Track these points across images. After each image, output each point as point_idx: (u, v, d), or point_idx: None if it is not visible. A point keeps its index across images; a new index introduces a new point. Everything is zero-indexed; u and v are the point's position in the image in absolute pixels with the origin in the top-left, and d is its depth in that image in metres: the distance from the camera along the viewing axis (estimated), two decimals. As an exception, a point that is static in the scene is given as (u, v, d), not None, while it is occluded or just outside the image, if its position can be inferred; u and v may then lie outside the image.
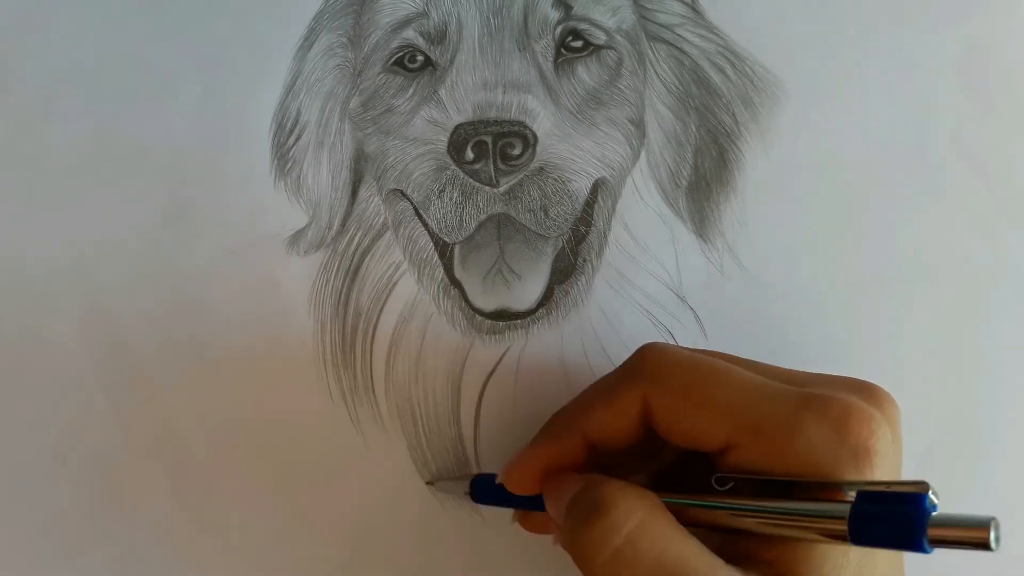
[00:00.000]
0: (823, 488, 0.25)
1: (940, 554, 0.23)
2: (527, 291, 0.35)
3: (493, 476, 0.32)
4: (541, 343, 0.35)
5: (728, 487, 0.26)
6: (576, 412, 0.30)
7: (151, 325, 0.36)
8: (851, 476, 0.24)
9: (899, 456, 0.26)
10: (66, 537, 0.35)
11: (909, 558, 0.26)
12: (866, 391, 0.26)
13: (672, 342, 0.35)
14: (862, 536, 0.23)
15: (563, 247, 0.36)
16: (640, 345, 0.29)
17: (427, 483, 0.35)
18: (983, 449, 0.35)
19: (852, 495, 0.24)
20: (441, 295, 0.36)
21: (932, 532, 0.22)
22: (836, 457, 0.24)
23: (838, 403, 0.25)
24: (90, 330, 0.36)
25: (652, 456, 0.30)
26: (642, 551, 0.24)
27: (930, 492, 0.23)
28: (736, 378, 0.27)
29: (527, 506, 0.31)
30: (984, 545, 0.22)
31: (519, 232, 0.35)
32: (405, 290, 0.36)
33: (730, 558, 0.25)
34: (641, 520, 0.24)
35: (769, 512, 0.25)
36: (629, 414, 0.28)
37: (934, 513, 0.22)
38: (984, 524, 0.22)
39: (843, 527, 0.23)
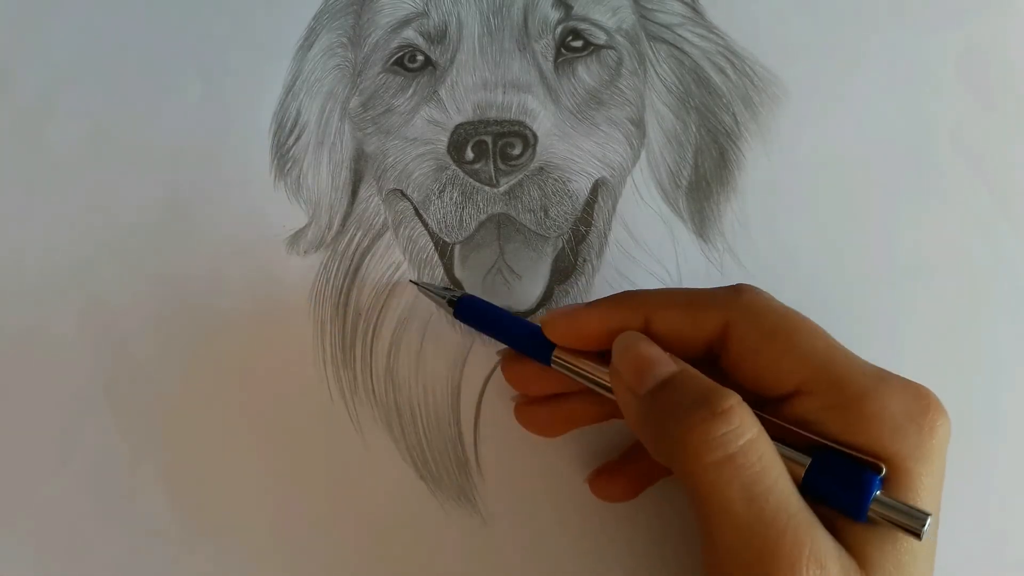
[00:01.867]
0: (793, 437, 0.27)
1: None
2: (527, 291, 0.35)
3: (478, 300, 0.33)
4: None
5: None
6: (650, 299, 0.30)
7: (151, 325, 0.36)
8: (915, 450, 0.26)
9: (943, 461, 0.27)
10: (66, 537, 0.35)
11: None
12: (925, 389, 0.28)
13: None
14: (814, 487, 0.26)
15: (563, 247, 0.36)
16: None
17: (411, 281, 0.35)
18: (983, 449, 0.35)
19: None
20: (441, 295, 0.36)
21: (875, 507, 0.25)
22: (904, 429, 0.26)
23: (915, 387, 0.27)
24: (90, 330, 0.36)
25: None
26: (751, 463, 0.25)
27: (883, 473, 0.25)
28: (825, 337, 0.28)
29: (522, 348, 0.32)
30: (915, 534, 0.25)
31: (519, 232, 0.35)
32: (405, 290, 0.36)
33: None
34: (756, 436, 0.25)
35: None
36: (704, 329, 0.29)
37: (878, 492, 0.25)
38: (922, 517, 0.25)
39: (799, 471, 0.26)
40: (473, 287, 0.35)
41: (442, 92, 0.36)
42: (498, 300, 0.35)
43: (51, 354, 0.36)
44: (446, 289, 0.34)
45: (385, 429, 0.35)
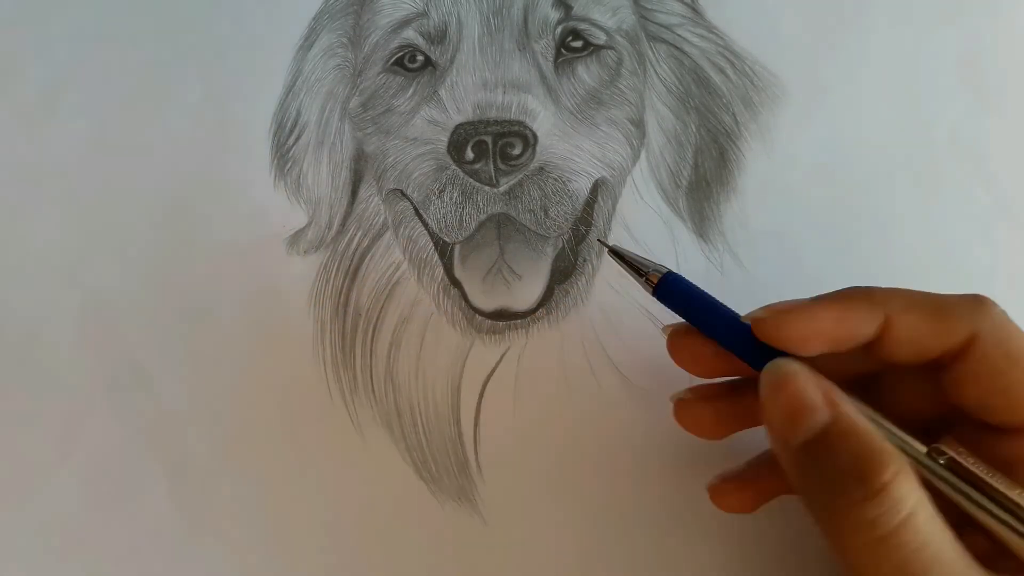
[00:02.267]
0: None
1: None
2: (527, 291, 0.35)
3: (681, 281, 0.29)
4: (541, 343, 0.35)
5: (942, 461, 0.25)
6: (891, 299, 0.26)
7: (151, 325, 0.36)
8: None
9: None
10: (66, 537, 0.35)
11: None
12: None
13: (672, 342, 0.35)
14: None
15: (563, 247, 0.36)
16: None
17: (607, 245, 0.31)
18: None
19: None
20: (441, 295, 0.36)
21: None
22: None
23: None
24: (90, 330, 0.36)
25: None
26: (906, 541, 0.22)
27: None
28: None
29: (728, 345, 0.28)
30: None
31: (519, 232, 0.35)
32: (405, 290, 0.36)
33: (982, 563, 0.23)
34: (914, 507, 0.23)
35: (980, 506, 0.24)
36: (948, 340, 0.26)
37: None
38: None
39: None
40: (473, 287, 0.35)
41: (442, 92, 0.36)
42: (498, 300, 0.35)
43: (51, 354, 0.36)
44: (645, 261, 0.30)
45: (385, 429, 0.35)
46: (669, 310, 0.30)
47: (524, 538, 0.34)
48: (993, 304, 0.26)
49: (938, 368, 0.27)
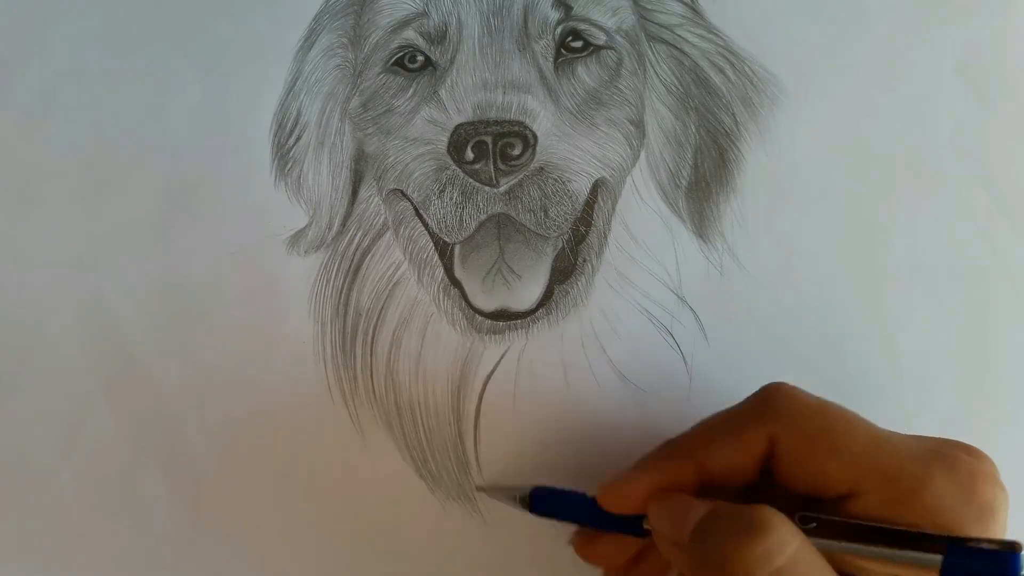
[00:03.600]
0: (912, 537, 0.26)
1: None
2: (527, 291, 0.35)
3: (552, 489, 0.32)
4: (541, 343, 0.35)
5: (811, 526, 0.27)
6: (694, 442, 0.30)
7: (151, 325, 0.36)
8: (975, 532, 0.26)
9: (1005, 529, 0.27)
10: (67, 537, 0.35)
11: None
12: (975, 454, 0.28)
13: (672, 342, 0.35)
14: None
15: (563, 247, 0.36)
16: (755, 385, 0.30)
17: (478, 488, 0.35)
18: (983, 449, 0.35)
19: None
20: (441, 295, 0.36)
21: None
22: (962, 513, 0.26)
23: (965, 463, 0.27)
24: (90, 330, 0.36)
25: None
26: (802, 570, 0.24)
27: (1023, 552, 0.24)
28: (865, 427, 0.27)
29: (604, 526, 0.31)
30: None
31: (519, 232, 0.35)
32: (405, 290, 0.36)
33: None
34: (799, 546, 0.24)
35: (872, 555, 0.26)
36: (753, 452, 0.28)
37: None
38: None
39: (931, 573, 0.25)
40: (473, 287, 0.35)
41: (442, 92, 0.36)
42: (498, 300, 0.35)
43: (51, 354, 0.36)
44: (512, 488, 0.33)
45: (385, 429, 0.35)
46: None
47: (524, 538, 0.34)
48: (779, 392, 0.29)
49: (770, 471, 0.29)
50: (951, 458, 0.27)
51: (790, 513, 0.26)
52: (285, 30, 0.38)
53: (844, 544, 0.26)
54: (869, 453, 0.27)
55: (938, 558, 0.25)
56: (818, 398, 0.29)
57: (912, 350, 0.35)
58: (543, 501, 0.32)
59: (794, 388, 0.29)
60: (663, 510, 0.28)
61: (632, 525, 0.30)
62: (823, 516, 0.27)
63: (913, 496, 0.26)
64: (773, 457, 0.28)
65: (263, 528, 0.34)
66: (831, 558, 0.26)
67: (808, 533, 0.26)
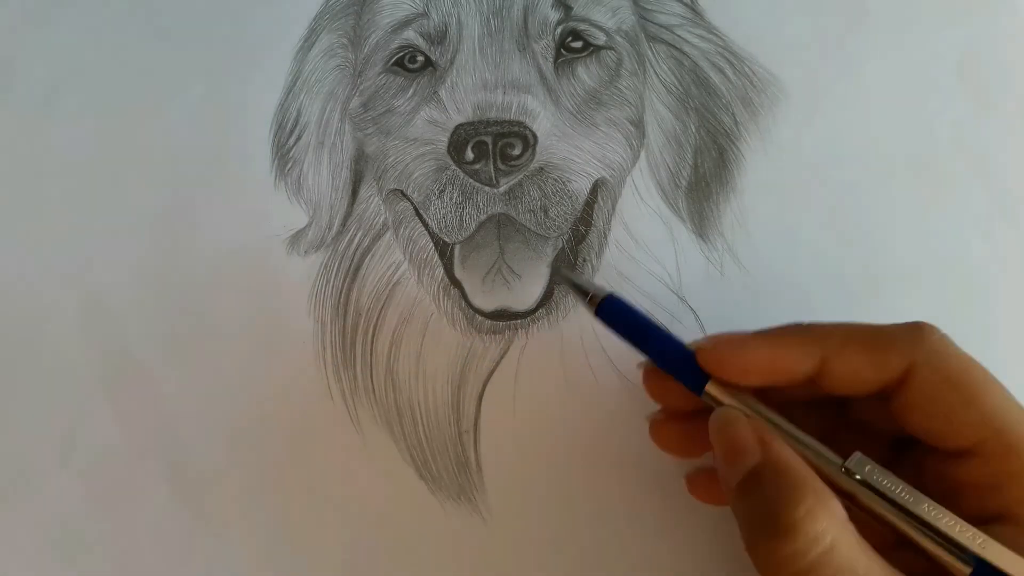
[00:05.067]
0: (948, 537, 0.25)
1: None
2: (527, 291, 0.35)
3: (628, 305, 0.30)
4: (541, 343, 0.35)
5: (858, 478, 0.26)
6: (829, 335, 0.28)
7: (151, 325, 0.36)
8: None
9: None
10: (66, 537, 0.35)
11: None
12: None
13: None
14: None
15: (563, 247, 0.36)
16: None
17: (562, 275, 0.33)
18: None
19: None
20: (441, 295, 0.36)
21: None
22: None
23: None
24: (90, 330, 0.36)
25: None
26: (832, 570, 0.24)
27: None
28: (1004, 393, 0.26)
29: (662, 363, 0.29)
30: None
31: (519, 232, 0.35)
32: (405, 290, 0.36)
33: None
34: (833, 540, 0.24)
35: (916, 520, 0.25)
36: (886, 373, 0.27)
37: None
38: None
39: (965, 568, 0.24)
40: (473, 287, 0.35)
41: (442, 92, 0.36)
42: (498, 300, 0.35)
43: (51, 354, 0.36)
44: (590, 286, 0.31)
45: (385, 429, 0.35)
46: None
47: (524, 537, 0.34)
48: (932, 331, 0.27)
49: (887, 396, 0.28)
50: None
51: (862, 444, 0.25)
52: (285, 30, 0.38)
53: (883, 503, 0.26)
54: (1003, 418, 0.26)
55: (967, 568, 0.24)
56: (970, 356, 0.27)
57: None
58: (613, 311, 0.30)
59: (944, 333, 0.27)
60: (720, 436, 0.27)
61: (694, 382, 0.28)
62: (877, 467, 0.26)
63: None
64: (902, 388, 0.27)
65: (263, 528, 0.34)
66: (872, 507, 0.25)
67: (857, 481, 0.25)
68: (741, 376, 0.28)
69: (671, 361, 0.29)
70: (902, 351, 0.27)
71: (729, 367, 0.28)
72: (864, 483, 0.26)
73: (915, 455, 0.27)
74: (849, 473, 0.26)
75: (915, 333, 0.27)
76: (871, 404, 0.28)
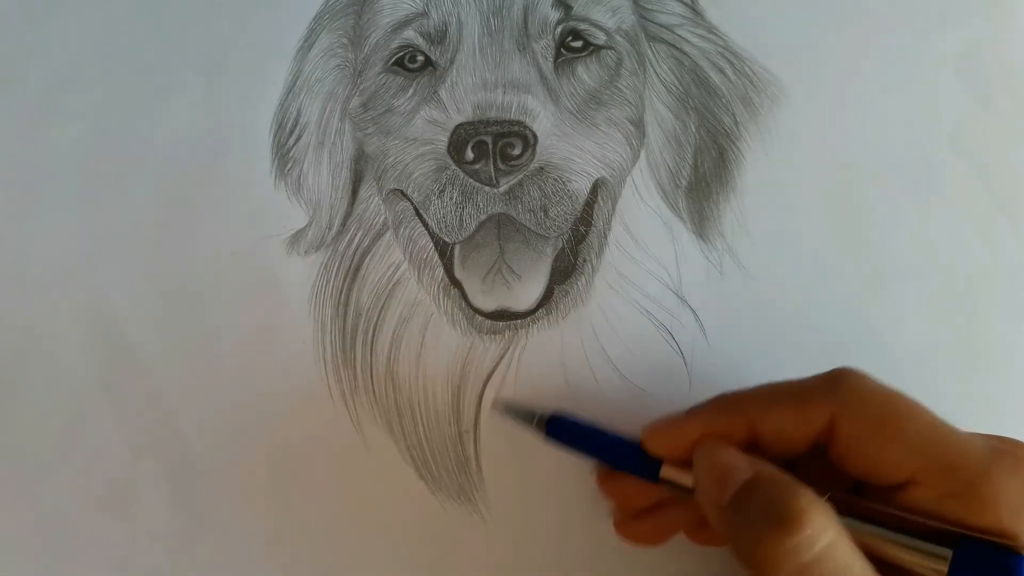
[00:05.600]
0: (925, 530, 0.26)
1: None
2: (527, 291, 0.35)
3: (571, 418, 0.32)
4: (541, 343, 0.35)
5: (825, 496, 0.26)
6: (752, 401, 0.29)
7: (151, 325, 0.36)
8: None
9: None
10: (66, 537, 0.35)
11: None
12: None
13: (672, 342, 0.35)
14: None
15: (563, 247, 0.36)
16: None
17: (493, 407, 0.34)
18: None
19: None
20: (441, 295, 0.36)
21: None
22: (1020, 511, 0.26)
23: None
24: (90, 330, 0.36)
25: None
26: (830, 568, 0.24)
27: None
28: (930, 418, 0.27)
29: (618, 465, 0.31)
30: None
31: (519, 232, 0.35)
32: (405, 290, 0.36)
33: None
34: (832, 539, 0.24)
35: (890, 539, 0.26)
36: (812, 427, 0.28)
37: None
38: None
39: (943, 568, 0.25)
40: (473, 287, 0.35)
41: (442, 92, 0.36)
42: (498, 300, 0.35)
43: (51, 354, 0.36)
44: (530, 411, 0.33)
45: (385, 429, 0.35)
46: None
47: (524, 537, 0.34)
48: (849, 375, 0.28)
49: (823, 448, 0.29)
50: (1013, 455, 0.26)
51: (822, 492, 0.26)
52: (285, 30, 0.38)
53: (864, 525, 0.26)
54: (932, 443, 0.27)
55: (948, 552, 0.25)
56: (886, 386, 0.28)
57: (912, 350, 0.35)
58: (560, 428, 0.32)
59: (864, 374, 0.28)
60: (707, 464, 0.28)
61: (650, 471, 0.29)
62: (845, 495, 0.27)
63: (972, 490, 0.26)
64: (833, 437, 0.28)
65: (263, 528, 0.34)
66: (859, 540, 0.25)
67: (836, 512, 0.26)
68: (682, 454, 0.29)
69: (625, 459, 0.31)
70: (822, 402, 0.28)
71: (669, 447, 0.30)
72: (849, 508, 0.27)
73: (871, 494, 0.28)
74: (834, 500, 0.26)
75: (832, 383, 0.28)
76: (813, 462, 0.29)
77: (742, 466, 0.27)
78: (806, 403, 0.28)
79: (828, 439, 0.28)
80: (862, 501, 0.27)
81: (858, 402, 0.28)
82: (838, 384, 0.28)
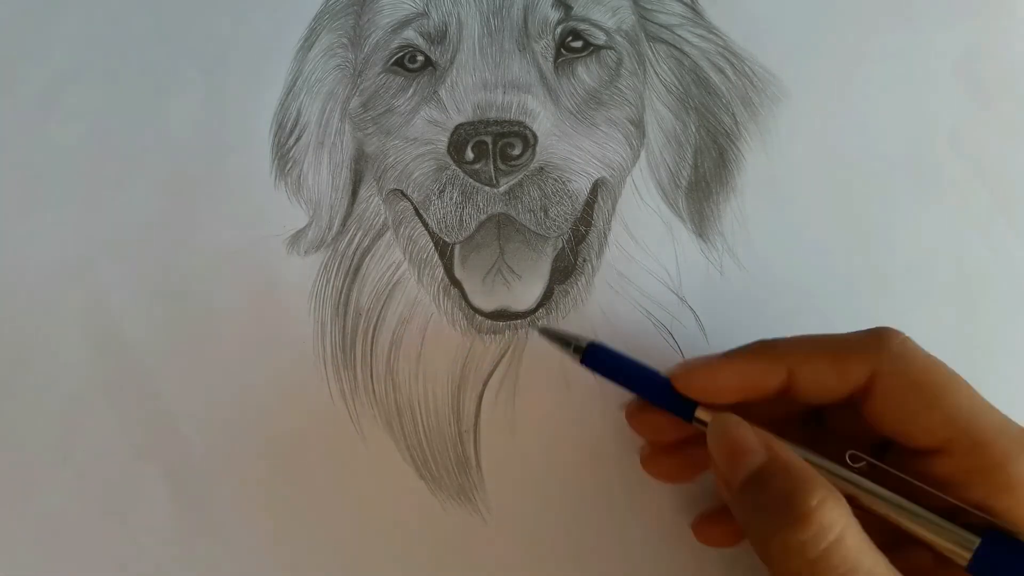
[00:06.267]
0: (953, 511, 0.26)
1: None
2: (527, 291, 0.35)
3: (610, 349, 0.31)
4: (541, 343, 0.35)
5: (860, 465, 0.27)
6: (792, 349, 0.29)
7: (151, 325, 0.36)
8: None
9: None
10: (66, 537, 0.35)
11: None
12: None
13: (672, 342, 0.35)
14: (986, 567, 0.25)
15: (563, 247, 0.36)
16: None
17: (539, 329, 0.34)
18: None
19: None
20: (441, 295, 0.36)
21: None
22: None
23: None
24: (90, 330, 0.36)
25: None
26: (834, 565, 0.24)
27: None
28: (969, 392, 0.27)
29: (654, 400, 0.30)
30: None
31: (519, 232, 0.35)
32: (405, 290, 0.36)
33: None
34: (841, 532, 0.24)
35: (915, 513, 0.26)
36: (851, 380, 0.28)
37: None
38: None
39: (965, 553, 0.25)
40: (473, 287, 0.35)
41: (442, 92, 0.36)
42: (498, 300, 0.35)
43: (51, 354, 0.36)
44: (572, 336, 0.32)
45: (385, 429, 0.35)
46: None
47: (524, 537, 0.34)
48: (894, 335, 0.28)
49: (856, 403, 0.28)
50: None
51: (845, 449, 0.26)
52: (285, 30, 0.38)
53: (887, 493, 0.26)
54: (968, 416, 0.26)
55: (975, 540, 0.25)
56: (928, 352, 0.28)
57: (912, 350, 0.35)
58: (598, 356, 0.31)
59: (906, 336, 0.28)
60: (722, 440, 0.28)
61: (684, 410, 0.29)
62: (871, 459, 0.27)
63: (998, 469, 0.26)
64: (869, 393, 0.28)
65: (263, 528, 0.34)
66: (873, 506, 0.26)
67: (854, 471, 0.26)
68: (715, 396, 0.29)
69: (659, 394, 0.30)
70: (864, 358, 0.28)
71: (703, 389, 0.29)
72: (869, 470, 0.26)
73: (893, 457, 0.28)
74: (854, 460, 0.27)
75: (876, 339, 0.28)
76: (845, 412, 0.29)
77: (756, 448, 0.27)
78: (848, 357, 0.28)
79: (864, 395, 0.28)
80: (885, 468, 0.27)
81: (901, 363, 0.27)
82: (882, 342, 0.28)
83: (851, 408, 0.28)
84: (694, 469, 0.32)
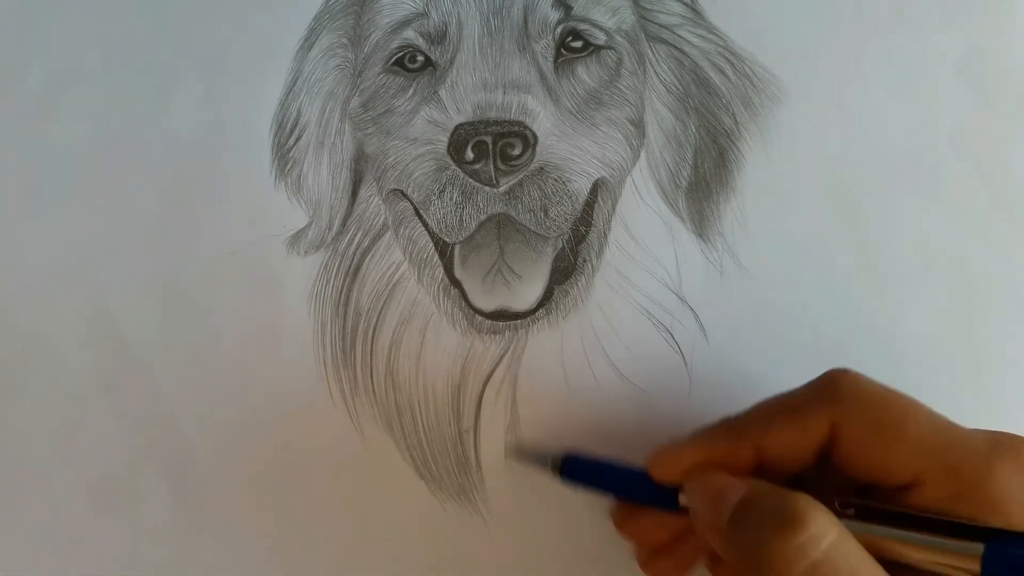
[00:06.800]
0: (953, 526, 0.26)
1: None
2: (527, 291, 0.35)
3: (585, 457, 0.31)
4: (541, 343, 0.35)
5: (849, 512, 0.26)
6: (752, 422, 0.29)
7: (151, 325, 0.36)
8: None
9: None
10: (66, 537, 0.35)
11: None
12: None
13: (672, 342, 0.35)
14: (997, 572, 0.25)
15: (563, 247, 0.36)
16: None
17: (507, 456, 0.34)
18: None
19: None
20: (441, 295, 0.36)
21: None
22: None
23: None
24: (90, 330, 0.36)
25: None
26: (836, 568, 0.24)
27: None
28: (929, 417, 0.27)
29: (637, 499, 0.30)
30: None
31: (519, 232, 0.35)
32: (405, 290, 0.36)
33: None
34: (837, 537, 0.24)
35: (912, 542, 0.26)
36: (814, 437, 0.28)
37: None
38: None
39: (975, 566, 0.25)
40: (473, 287, 0.35)
41: (442, 92, 0.36)
42: (498, 300, 0.35)
43: (51, 354, 0.36)
44: (542, 454, 0.33)
45: (385, 429, 0.35)
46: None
47: (524, 537, 0.34)
48: (841, 377, 0.28)
49: (828, 456, 0.28)
50: (1013, 449, 0.26)
51: (831, 499, 0.26)
52: (285, 30, 0.38)
53: (883, 529, 0.26)
54: (934, 443, 0.26)
55: (979, 547, 0.25)
56: (882, 385, 0.28)
57: (912, 350, 0.35)
58: (574, 468, 0.32)
59: (858, 374, 0.28)
60: (700, 490, 0.28)
61: (667, 500, 0.29)
62: (860, 501, 0.26)
63: (977, 488, 0.26)
64: (834, 443, 0.28)
65: (263, 528, 0.34)
66: (872, 544, 0.25)
67: (846, 518, 0.26)
68: (689, 478, 0.29)
69: (641, 491, 0.30)
70: (820, 411, 0.28)
71: (675, 474, 0.29)
72: (861, 512, 0.26)
73: (877, 496, 0.28)
74: (844, 507, 0.26)
75: (828, 387, 0.28)
76: (823, 467, 0.29)
77: (735, 485, 0.27)
78: (804, 415, 0.28)
79: (832, 446, 0.28)
80: (878, 505, 0.27)
81: (856, 405, 0.27)
82: (833, 389, 0.28)
83: (824, 466, 0.28)
84: (690, 562, 0.32)
